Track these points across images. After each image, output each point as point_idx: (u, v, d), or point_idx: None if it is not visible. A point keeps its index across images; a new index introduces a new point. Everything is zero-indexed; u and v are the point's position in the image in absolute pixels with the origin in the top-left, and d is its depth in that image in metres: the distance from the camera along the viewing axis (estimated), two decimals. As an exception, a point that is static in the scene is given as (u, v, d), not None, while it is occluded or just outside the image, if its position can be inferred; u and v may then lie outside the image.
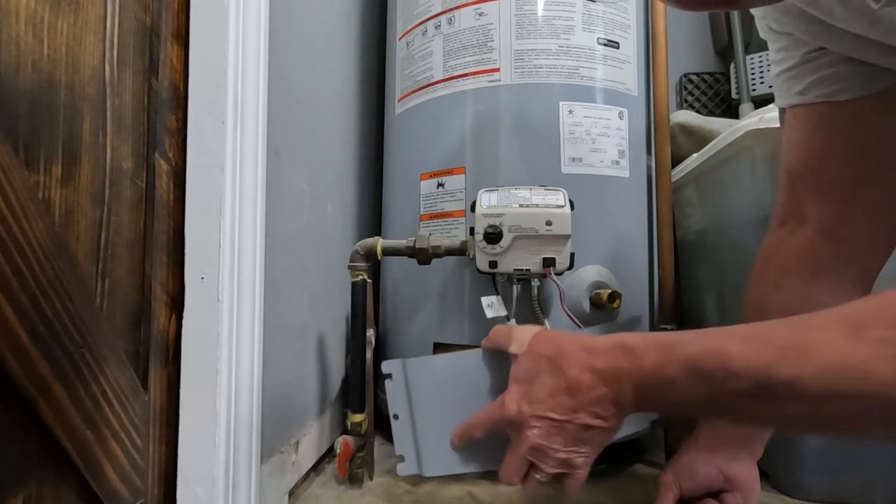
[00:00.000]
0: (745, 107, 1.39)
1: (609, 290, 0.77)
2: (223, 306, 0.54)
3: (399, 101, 0.98)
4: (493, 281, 0.79)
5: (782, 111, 0.61)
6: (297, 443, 0.73)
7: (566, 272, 0.75)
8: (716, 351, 0.35)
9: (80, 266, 0.43)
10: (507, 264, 0.73)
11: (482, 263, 0.73)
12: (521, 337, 0.48)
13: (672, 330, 0.90)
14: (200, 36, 0.56)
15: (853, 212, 0.53)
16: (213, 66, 0.56)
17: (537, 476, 0.44)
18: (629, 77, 0.88)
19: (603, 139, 0.84)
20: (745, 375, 0.33)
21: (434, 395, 0.53)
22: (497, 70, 0.84)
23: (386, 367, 0.56)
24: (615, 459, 0.83)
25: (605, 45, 0.85)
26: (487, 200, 0.75)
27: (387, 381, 0.56)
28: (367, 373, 0.77)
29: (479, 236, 0.72)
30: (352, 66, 1.04)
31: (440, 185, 0.87)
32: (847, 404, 0.30)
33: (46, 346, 0.39)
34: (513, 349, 0.48)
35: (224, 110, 0.55)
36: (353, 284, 0.77)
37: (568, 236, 0.72)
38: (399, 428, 0.55)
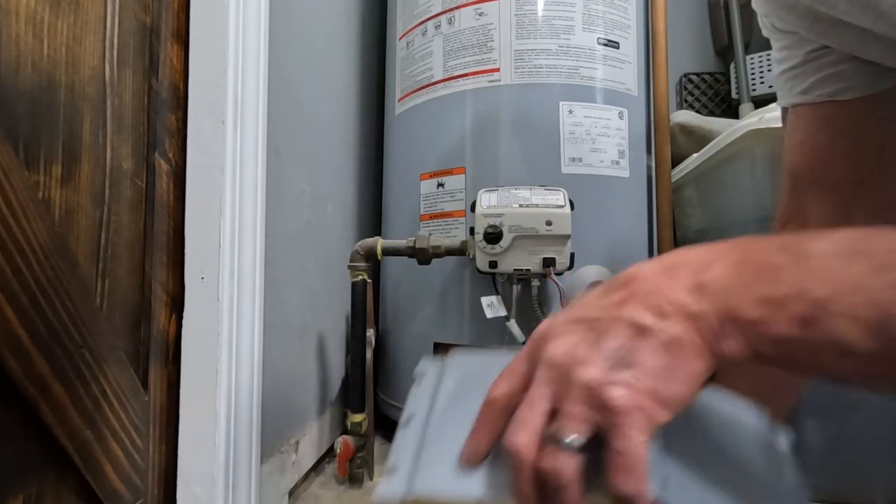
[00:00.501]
0: (745, 107, 1.39)
1: (609, 290, 0.77)
2: (223, 306, 0.54)
3: (399, 101, 0.98)
4: (493, 281, 0.79)
5: (784, 111, 0.61)
6: (297, 443, 0.73)
7: (566, 272, 0.75)
8: None
9: (80, 266, 0.43)
10: (507, 264, 0.73)
11: (482, 263, 0.73)
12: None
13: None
14: (200, 36, 0.56)
15: (856, 212, 0.53)
16: (213, 66, 0.56)
17: (561, 442, 0.24)
18: (629, 77, 0.88)
19: (603, 139, 0.84)
20: None
21: (464, 395, 0.37)
22: (497, 70, 0.84)
23: (422, 367, 0.42)
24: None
25: (605, 45, 0.85)
26: (487, 200, 0.75)
27: (415, 384, 0.41)
28: (367, 373, 0.77)
29: (479, 236, 0.72)
30: (352, 66, 1.04)
31: (440, 185, 0.87)
32: None
33: (46, 346, 0.39)
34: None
35: (224, 110, 0.55)
36: (353, 284, 0.77)
37: (568, 236, 0.72)
38: (407, 433, 0.37)
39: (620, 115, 0.85)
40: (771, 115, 0.74)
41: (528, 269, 0.73)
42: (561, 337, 0.28)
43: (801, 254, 0.24)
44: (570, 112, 0.83)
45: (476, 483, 0.31)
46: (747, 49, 1.41)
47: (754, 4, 0.54)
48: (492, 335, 0.80)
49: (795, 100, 0.56)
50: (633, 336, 0.26)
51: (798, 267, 0.24)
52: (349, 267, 0.78)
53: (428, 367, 0.41)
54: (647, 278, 0.27)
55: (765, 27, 0.59)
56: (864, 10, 0.42)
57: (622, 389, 0.24)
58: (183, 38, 0.56)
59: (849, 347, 0.22)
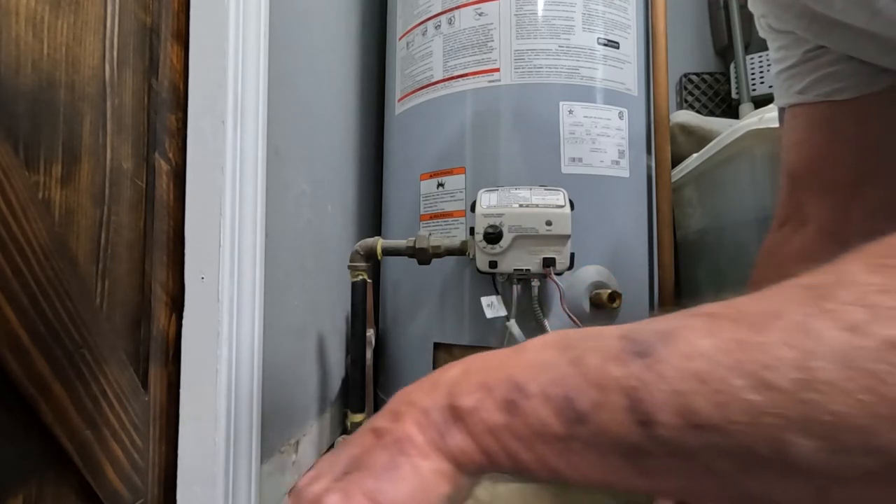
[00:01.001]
0: (745, 107, 1.39)
1: (609, 290, 0.77)
2: (223, 306, 0.54)
3: (399, 101, 0.98)
4: (493, 281, 0.79)
5: (782, 111, 0.61)
6: (297, 443, 0.73)
7: (566, 272, 0.75)
8: None
9: (80, 266, 0.43)
10: (507, 264, 0.73)
11: (482, 263, 0.73)
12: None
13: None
14: (200, 36, 0.56)
15: (854, 212, 0.53)
16: (213, 66, 0.56)
17: None
18: (629, 77, 0.88)
19: (603, 139, 0.84)
20: None
21: None
22: (497, 70, 0.84)
23: None
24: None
25: (605, 45, 0.85)
26: (487, 200, 0.75)
27: None
28: (367, 373, 0.77)
29: (479, 236, 0.72)
30: (352, 66, 1.04)
31: (440, 185, 0.87)
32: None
33: (46, 346, 0.39)
34: None
35: (224, 110, 0.55)
36: (353, 284, 0.77)
37: (568, 236, 0.72)
38: None
39: (620, 115, 0.85)
40: (771, 115, 0.74)
41: (528, 269, 0.73)
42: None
43: (519, 349, 0.25)
44: (570, 112, 0.83)
45: None
46: (747, 49, 1.41)
47: (751, 5, 0.54)
48: (492, 335, 0.80)
49: (792, 100, 0.57)
50: (370, 441, 0.25)
51: (512, 358, 0.24)
52: (349, 267, 0.78)
53: None
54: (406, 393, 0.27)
55: (761, 28, 0.59)
56: (860, 8, 0.42)
57: (336, 495, 0.23)
58: (183, 38, 0.56)
59: (547, 430, 0.21)
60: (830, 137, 0.54)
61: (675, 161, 1.05)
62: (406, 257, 0.78)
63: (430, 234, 0.78)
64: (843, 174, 0.53)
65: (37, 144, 0.39)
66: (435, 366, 0.85)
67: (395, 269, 0.96)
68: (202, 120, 0.56)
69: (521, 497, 0.73)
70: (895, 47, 0.44)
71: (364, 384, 0.77)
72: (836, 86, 0.52)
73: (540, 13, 0.83)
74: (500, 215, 0.72)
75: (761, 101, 1.36)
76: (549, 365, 0.22)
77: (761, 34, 0.60)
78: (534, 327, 0.76)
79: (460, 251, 0.77)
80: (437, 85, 0.89)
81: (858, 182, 0.53)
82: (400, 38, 0.99)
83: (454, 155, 0.87)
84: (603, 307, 0.77)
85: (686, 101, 1.55)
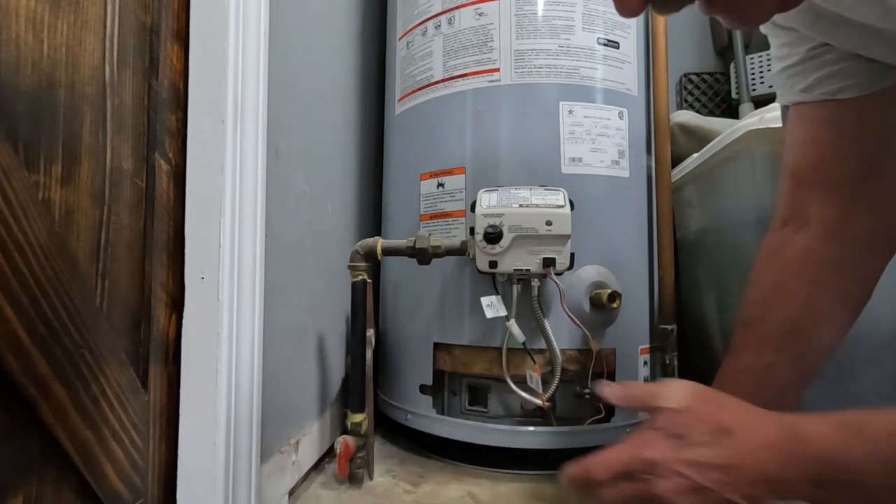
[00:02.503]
0: (745, 107, 1.39)
1: (609, 290, 0.77)
2: (223, 306, 0.54)
3: (399, 101, 0.98)
4: (493, 281, 0.79)
5: (785, 109, 0.60)
6: (297, 443, 0.73)
7: (566, 272, 0.75)
8: None
9: (80, 266, 0.43)
10: (507, 264, 0.73)
11: (482, 263, 0.73)
12: (673, 393, 0.41)
13: (672, 330, 0.90)
14: (200, 36, 0.56)
15: (857, 212, 0.52)
16: (213, 66, 0.56)
17: None
18: (629, 77, 0.88)
19: (603, 139, 0.84)
20: None
21: None
22: (497, 70, 0.84)
23: None
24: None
25: (605, 45, 0.85)
26: (487, 200, 0.75)
27: None
28: (367, 373, 0.77)
29: (479, 236, 0.72)
30: (352, 66, 1.04)
31: (440, 185, 0.87)
32: None
33: (46, 346, 0.39)
34: (669, 403, 0.40)
35: (224, 110, 0.55)
36: (353, 284, 0.77)
37: (568, 236, 0.72)
38: None
39: (620, 115, 0.85)
40: (771, 115, 0.74)
41: (528, 269, 0.73)
42: None
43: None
44: (570, 112, 0.83)
45: None
46: (747, 49, 1.41)
47: None
48: (492, 335, 0.80)
49: (796, 98, 0.56)
50: None
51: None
52: (349, 267, 0.78)
53: None
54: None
55: (763, 25, 0.59)
56: (871, 4, 0.42)
57: None
58: (183, 38, 0.56)
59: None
60: (835, 136, 0.53)
61: (675, 161, 1.05)
62: (406, 257, 0.78)
63: (430, 234, 0.78)
64: (848, 173, 0.53)
65: (37, 144, 0.39)
66: (435, 366, 0.85)
67: (395, 269, 0.97)
68: (202, 120, 0.56)
69: (521, 497, 0.73)
70: None
71: (364, 384, 0.77)
72: (841, 84, 0.51)
73: (540, 13, 0.83)
74: (500, 215, 0.72)
75: (761, 101, 1.35)
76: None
77: (764, 31, 0.59)
78: (534, 327, 0.76)
79: (460, 251, 0.77)
80: (437, 85, 0.89)
81: (862, 181, 0.52)
82: (400, 38, 0.99)
83: (454, 155, 0.87)
84: (603, 307, 0.77)
85: (686, 101, 1.55)
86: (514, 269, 0.73)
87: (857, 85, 0.50)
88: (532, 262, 0.73)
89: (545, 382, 0.75)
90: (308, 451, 0.77)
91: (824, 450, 0.34)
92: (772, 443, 0.35)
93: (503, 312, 0.76)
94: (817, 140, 0.55)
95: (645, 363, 0.85)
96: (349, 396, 0.77)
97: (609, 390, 0.45)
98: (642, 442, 0.39)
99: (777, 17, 0.55)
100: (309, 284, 0.79)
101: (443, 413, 0.85)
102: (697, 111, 1.48)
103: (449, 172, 0.87)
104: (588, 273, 0.80)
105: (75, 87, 0.43)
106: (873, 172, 0.52)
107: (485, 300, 0.77)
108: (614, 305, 0.77)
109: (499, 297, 0.78)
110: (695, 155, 1.02)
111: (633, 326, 0.84)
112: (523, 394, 0.76)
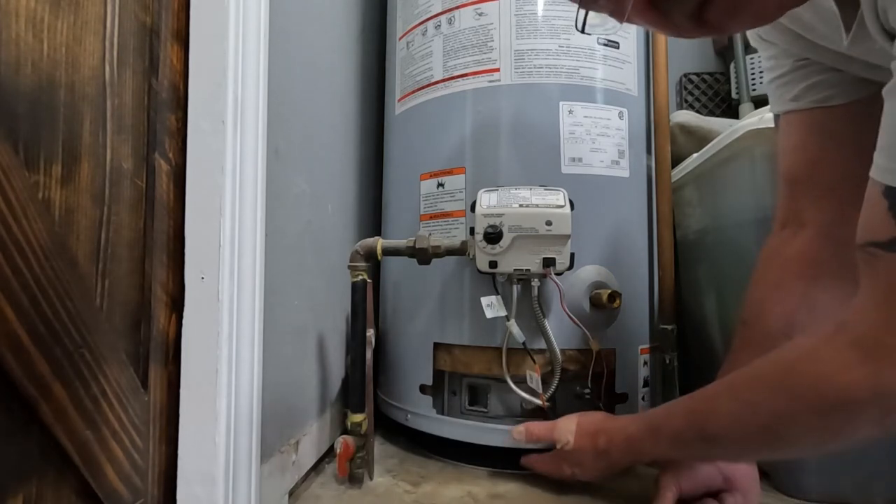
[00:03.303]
0: (745, 107, 1.39)
1: (609, 290, 0.77)
2: (223, 306, 0.54)
3: (399, 101, 0.98)
4: (493, 281, 0.79)
5: (777, 117, 0.62)
6: (297, 443, 0.73)
7: (566, 272, 0.75)
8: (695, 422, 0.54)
9: (80, 266, 0.43)
10: (507, 264, 0.73)
11: (482, 263, 0.73)
12: (564, 432, 0.69)
13: (672, 330, 0.90)
14: (200, 36, 0.56)
15: (851, 214, 0.53)
16: (213, 66, 0.56)
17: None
18: (629, 77, 0.88)
19: (603, 139, 0.84)
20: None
21: None
22: (497, 70, 0.84)
23: None
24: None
25: (605, 45, 0.85)
26: (487, 200, 0.75)
27: None
28: (367, 373, 0.77)
29: (479, 236, 0.72)
30: (352, 66, 1.04)
31: (440, 185, 0.87)
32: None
33: (46, 346, 0.39)
34: (562, 441, 0.69)
35: (224, 110, 0.55)
36: (353, 284, 0.77)
37: (568, 236, 0.72)
38: None
39: (620, 115, 0.85)
40: (771, 115, 0.74)
41: (528, 269, 0.73)
42: None
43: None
44: (570, 112, 0.83)
45: None
46: (747, 49, 1.41)
47: None
48: (492, 335, 0.80)
49: (786, 107, 0.59)
50: None
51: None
52: (349, 267, 0.78)
53: None
54: None
55: (752, 38, 0.61)
56: (837, 39, 0.44)
57: None
58: (183, 38, 0.56)
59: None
60: (824, 141, 0.55)
61: (675, 161, 1.05)
62: (406, 257, 0.78)
63: (430, 234, 0.78)
64: (839, 176, 0.54)
65: (37, 144, 0.39)
66: (435, 366, 0.85)
67: (395, 269, 0.97)
68: (202, 120, 0.56)
69: (521, 497, 0.73)
70: (876, 66, 0.45)
71: (364, 384, 0.77)
72: (828, 92, 0.53)
73: (540, 13, 0.83)
74: (500, 215, 0.72)
75: (761, 101, 1.35)
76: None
77: (752, 44, 0.62)
78: (534, 327, 0.76)
79: (460, 251, 0.77)
80: (437, 85, 0.89)
81: (855, 184, 0.53)
82: (400, 38, 0.99)
83: (454, 155, 0.87)
84: (603, 307, 0.77)
85: (686, 101, 1.55)
86: (514, 269, 0.73)
87: (842, 93, 0.53)
88: (532, 262, 0.73)
89: (545, 382, 0.75)
90: (308, 451, 0.77)
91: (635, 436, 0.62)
92: (634, 442, 0.62)
93: (503, 312, 0.77)
94: (808, 146, 0.57)
95: (645, 363, 0.85)
96: (349, 396, 0.77)
97: (515, 431, 0.74)
98: (559, 463, 0.70)
99: (763, 32, 0.57)
100: (309, 284, 0.79)
101: (443, 413, 0.85)
102: (697, 111, 1.49)
103: (449, 172, 0.87)
104: (588, 273, 0.80)
105: (75, 87, 0.43)
106: (864, 175, 0.52)
107: (485, 300, 0.77)
108: (614, 305, 0.77)
109: (499, 297, 0.78)
110: (695, 155, 1.02)
111: (634, 326, 0.84)
112: (523, 394, 0.76)
